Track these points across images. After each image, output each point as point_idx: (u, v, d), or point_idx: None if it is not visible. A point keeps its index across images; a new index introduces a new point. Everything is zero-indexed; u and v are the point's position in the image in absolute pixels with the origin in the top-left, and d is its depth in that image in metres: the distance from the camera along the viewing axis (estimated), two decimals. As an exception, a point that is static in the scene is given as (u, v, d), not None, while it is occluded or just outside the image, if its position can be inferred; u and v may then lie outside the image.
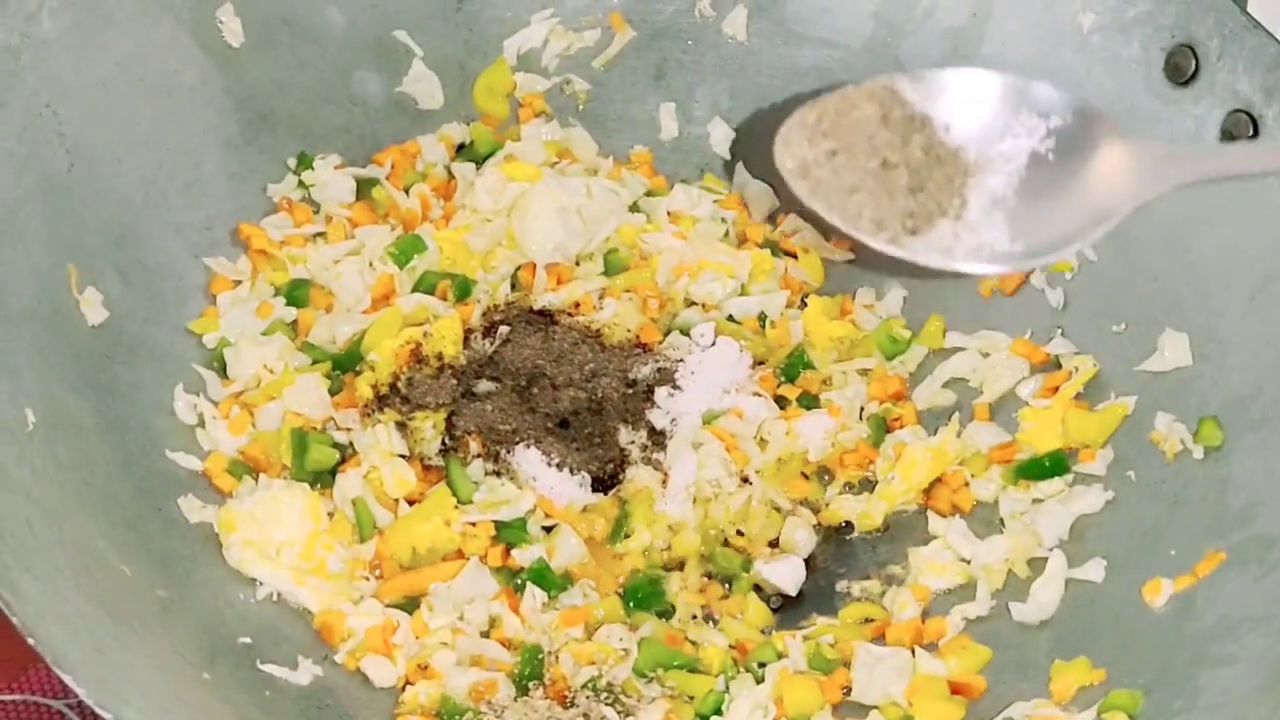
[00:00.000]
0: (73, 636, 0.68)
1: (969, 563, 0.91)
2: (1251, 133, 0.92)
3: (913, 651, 0.86)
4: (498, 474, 0.92)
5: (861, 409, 0.99)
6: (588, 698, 0.82)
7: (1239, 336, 0.90)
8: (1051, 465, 0.92)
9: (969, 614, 0.88)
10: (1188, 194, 0.93)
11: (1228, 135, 0.93)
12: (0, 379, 0.78)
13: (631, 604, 0.90)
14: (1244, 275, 0.91)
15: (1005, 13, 1.02)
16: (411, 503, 0.90)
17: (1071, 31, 1.00)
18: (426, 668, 0.83)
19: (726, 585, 0.92)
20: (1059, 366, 0.97)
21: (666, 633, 0.88)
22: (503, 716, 0.81)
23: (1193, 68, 0.95)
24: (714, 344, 1.00)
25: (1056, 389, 0.95)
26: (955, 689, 0.84)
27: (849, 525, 0.95)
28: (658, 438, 0.96)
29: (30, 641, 0.64)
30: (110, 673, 0.68)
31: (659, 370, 0.99)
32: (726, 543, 0.94)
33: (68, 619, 0.68)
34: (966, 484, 0.94)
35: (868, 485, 0.96)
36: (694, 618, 0.90)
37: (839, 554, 0.94)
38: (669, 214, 1.05)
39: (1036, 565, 0.90)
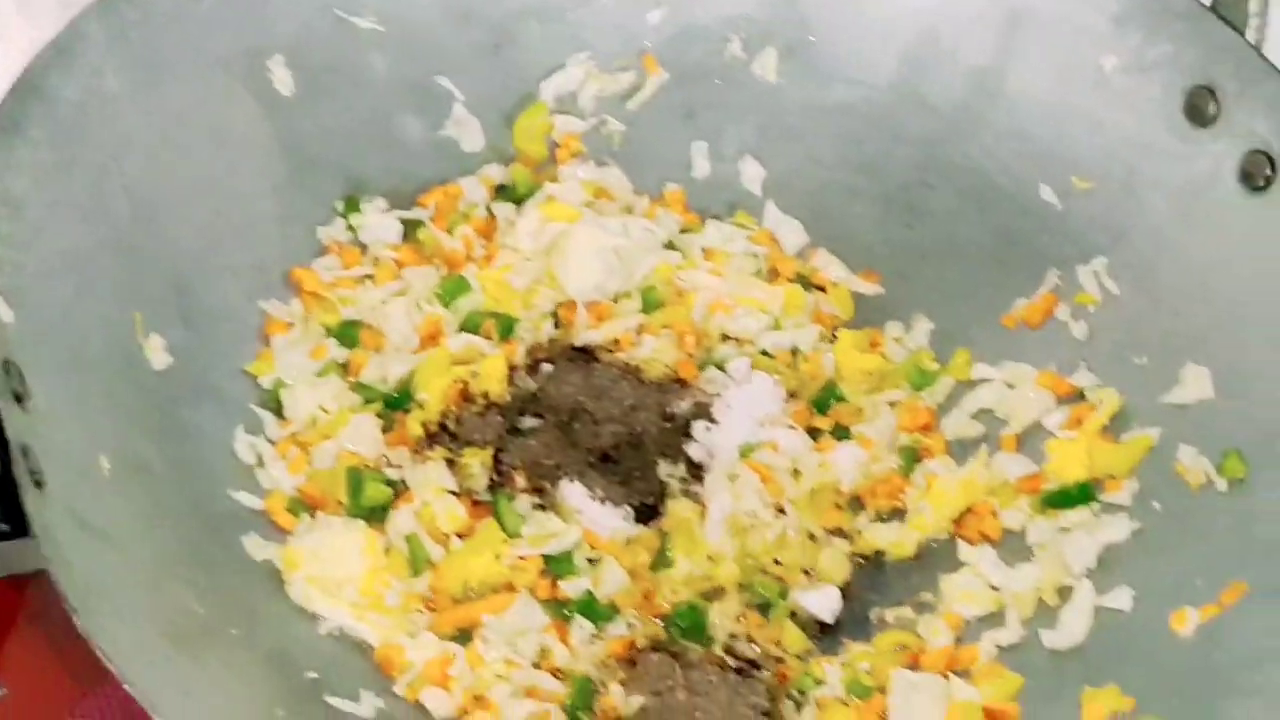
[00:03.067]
0: (162, 681, 0.71)
1: (999, 590, 0.94)
2: (1269, 171, 0.95)
3: (948, 678, 0.90)
4: (543, 508, 0.96)
5: (892, 440, 1.02)
6: (638, 727, 0.86)
7: (1261, 372, 0.93)
8: (1078, 495, 0.96)
9: (1000, 641, 0.92)
10: (1210, 233, 0.98)
11: (1245, 175, 0.96)
12: (78, 427, 0.82)
13: (675, 631, 0.93)
14: (1264, 313, 0.94)
15: (1028, 53, 1.06)
16: (462, 537, 0.94)
17: (1093, 72, 1.03)
18: (482, 699, 0.87)
19: (765, 614, 0.96)
20: (1083, 398, 1.00)
21: (713, 659, 0.91)
22: (557, 746, 0.85)
23: (1212, 109, 0.98)
24: (749, 378, 1.03)
25: (1082, 420, 0.99)
26: (990, 715, 0.87)
27: (881, 553, 0.99)
28: (696, 470, 1.00)
29: (127, 688, 0.68)
30: (196, 716, 0.71)
31: (696, 404, 1.02)
32: (764, 571, 0.97)
33: (155, 663, 0.72)
34: (995, 513, 0.98)
35: (899, 514, 1.00)
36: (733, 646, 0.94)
37: (872, 582, 0.98)
38: (703, 250, 1.09)
39: (1065, 593, 0.92)
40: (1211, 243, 0.98)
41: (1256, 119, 0.96)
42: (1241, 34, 0.97)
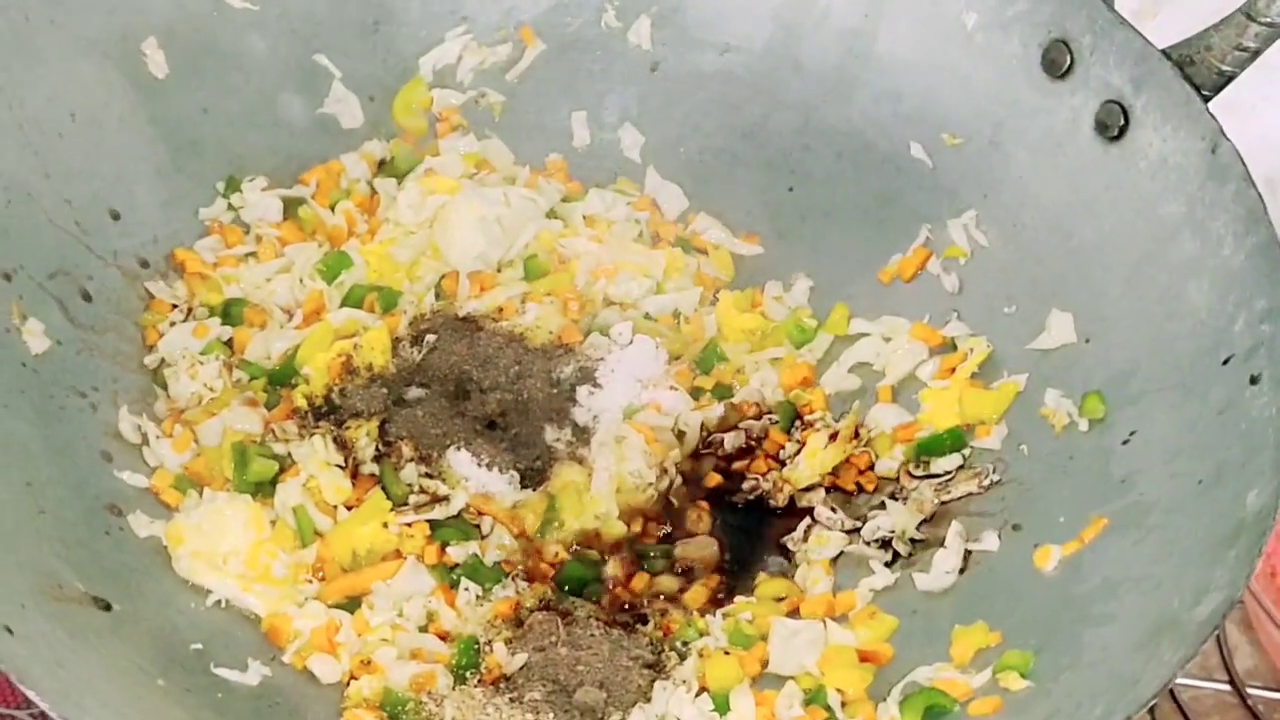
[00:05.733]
0: (34, 653, 0.72)
1: (872, 537, 0.97)
2: (1123, 121, 0.98)
3: (824, 624, 0.92)
4: (430, 476, 0.97)
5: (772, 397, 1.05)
6: (522, 682, 0.88)
7: (1119, 315, 0.96)
8: (950, 441, 0.99)
9: (875, 585, 0.94)
10: (1070, 182, 1.01)
11: (1101, 125, 0.99)
12: (-48, 412, 0.83)
13: (565, 590, 0.95)
14: (1122, 258, 0.97)
15: (895, 13, 1.08)
16: (350, 508, 0.95)
17: (957, 30, 1.05)
18: (369, 663, 0.88)
19: (649, 566, 0.98)
20: (955, 348, 1.03)
21: (600, 615, 0.93)
22: (442, 705, 0.86)
23: (1068, 62, 1.01)
24: (632, 342, 1.05)
25: (954, 370, 1.01)
26: (864, 657, 0.90)
27: (762, 506, 1.01)
28: (581, 434, 1.02)
29: (-3, 662, 0.69)
30: (70, 685, 0.73)
31: (580, 369, 1.04)
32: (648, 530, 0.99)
33: (29, 637, 0.73)
34: (871, 464, 1.00)
35: (779, 468, 1.02)
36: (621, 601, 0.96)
37: (754, 534, 1.00)
38: (585, 218, 1.11)
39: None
40: (1071, 192, 1.01)
41: (1110, 71, 0.99)
42: (1093, -13, 1.00)
